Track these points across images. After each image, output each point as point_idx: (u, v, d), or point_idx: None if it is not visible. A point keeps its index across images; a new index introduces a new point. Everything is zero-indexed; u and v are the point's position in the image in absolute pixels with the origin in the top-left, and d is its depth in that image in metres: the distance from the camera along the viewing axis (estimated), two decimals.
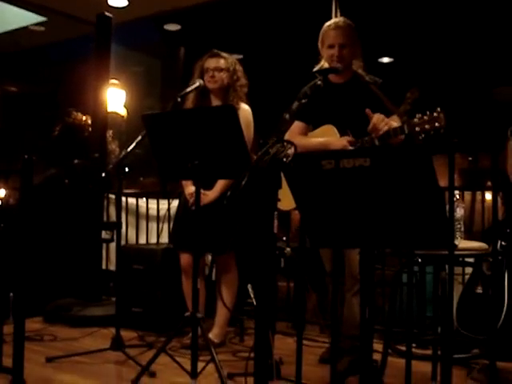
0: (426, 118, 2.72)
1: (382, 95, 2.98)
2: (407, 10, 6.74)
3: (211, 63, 3.64)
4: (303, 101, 2.71)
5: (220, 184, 3.56)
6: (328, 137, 3.14)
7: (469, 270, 3.47)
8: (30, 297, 2.92)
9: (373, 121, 2.89)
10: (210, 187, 3.58)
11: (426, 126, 2.72)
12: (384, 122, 2.88)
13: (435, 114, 2.70)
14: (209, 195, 3.54)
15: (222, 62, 3.65)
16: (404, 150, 1.91)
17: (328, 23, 3.17)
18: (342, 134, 3.10)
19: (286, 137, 2.87)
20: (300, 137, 3.19)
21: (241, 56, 6.22)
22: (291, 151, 2.20)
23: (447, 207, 2.07)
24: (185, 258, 3.70)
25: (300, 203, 2.07)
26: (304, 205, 2.07)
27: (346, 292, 3.17)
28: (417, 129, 2.74)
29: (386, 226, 1.91)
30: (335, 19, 3.25)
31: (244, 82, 3.70)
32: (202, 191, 3.29)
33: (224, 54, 3.68)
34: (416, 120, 2.75)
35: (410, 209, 1.85)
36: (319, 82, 2.76)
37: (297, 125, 3.21)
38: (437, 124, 2.69)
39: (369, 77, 3.15)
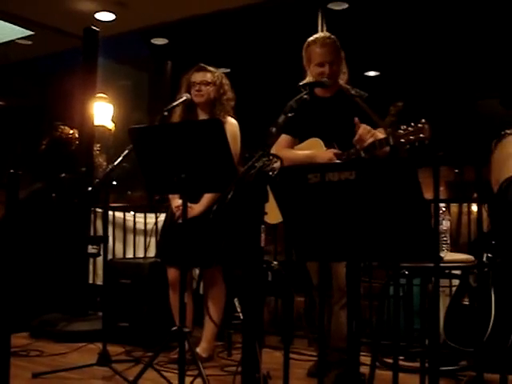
0: (410, 129, 2.75)
1: (367, 108, 3.01)
2: (393, 25, 6.80)
3: (198, 77, 3.65)
4: (289, 114, 2.72)
5: (206, 197, 3.56)
6: (314, 150, 3.15)
7: (456, 281, 3.48)
8: (15, 312, 2.90)
9: (359, 132, 2.91)
10: (197, 201, 3.58)
11: (411, 137, 2.74)
12: (370, 134, 2.91)
13: (420, 125, 2.74)
14: (195, 208, 3.53)
15: (208, 76, 3.65)
16: (389, 163, 1.93)
17: (312, 39, 3.19)
18: (328, 146, 3.12)
19: (273, 150, 2.89)
20: (286, 150, 3.21)
21: (228, 70, 6.24)
22: (277, 165, 2.21)
23: (433, 220, 2.08)
24: (172, 273, 3.68)
25: (286, 217, 2.08)
26: (290, 218, 2.07)
27: (333, 305, 3.16)
28: (402, 140, 2.77)
29: (372, 238, 1.91)
30: (319, 35, 3.26)
31: (231, 96, 3.71)
32: (188, 204, 3.29)
33: (210, 68, 3.70)
34: (401, 131, 2.78)
35: (395, 221, 1.86)
36: (305, 96, 2.77)
37: (283, 138, 3.23)
38: (421, 135, 2.72)
39: (354, 90, 3.17)
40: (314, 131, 3.19)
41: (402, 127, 2.78)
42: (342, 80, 3.23)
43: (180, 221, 3.00)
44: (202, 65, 3.70)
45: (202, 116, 3.69)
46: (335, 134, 3.11)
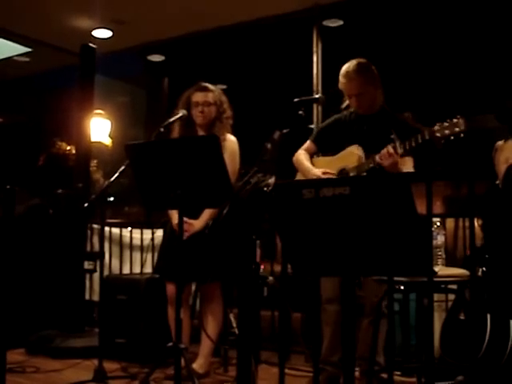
0: (446, 124, 2.88)
1: (406, 118, 3.25)
2: (388, 41, 6.86)
3: (199, 97, 3.63)
4: (322, 125, 2.81)
5: (206, 213, 3.54)
6: (351, 158, 3.24)
7: (453, 296, 3.48)
8: (11, 328, 2.89)
9: (382, 151, 3.04)
10: (196, 216, 3.57)
11: (446, 132, 2.87)
12: (391, 158, 3.00)
13: (455, 120, 2.86)
14: (195, 225, 3.52)
15: (210, 96, 3.64)
16: (382, 179, 1.94)
17: (343, 69, 3.26)
18: (368, 157, 3.19)
19: (298, 151, 3.34)
20: (304, 154, 3.43)
21: (225, 86, 6.28)
22: (272, 181, 2.23)
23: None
24: (170, 288, 3.67)
25: (281, 232, 2.09)
26: (285, 233, 2.09)
27: (363, 318, 3.18)
28: (437, 135, 2.88)
29: (367, 253, 1.93)
30: (346, 66, 3.29)
31: (230, 114, 3.71)
32: (187, 220, 3.29)
33: (211, 87, 3.67)
34: (437, 127, 2.90)
35: (389, 236, 1.87)
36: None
37: (309, 144, 3.46)
38: (457, 129, 2.85)
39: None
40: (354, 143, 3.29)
41: (437, 123, 2.90)
42: (380, 99, 3.33)
43: (184, 237, 3.01)
44: (204, 84, 3.67)
45: (201, 133, 3.67)
46: (374, 147, 3.17)
